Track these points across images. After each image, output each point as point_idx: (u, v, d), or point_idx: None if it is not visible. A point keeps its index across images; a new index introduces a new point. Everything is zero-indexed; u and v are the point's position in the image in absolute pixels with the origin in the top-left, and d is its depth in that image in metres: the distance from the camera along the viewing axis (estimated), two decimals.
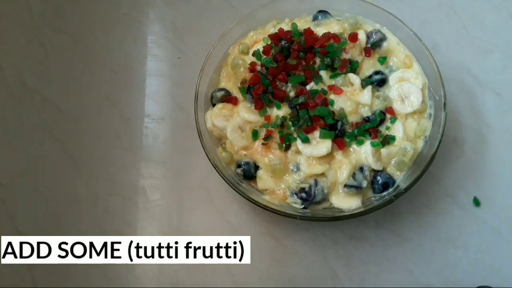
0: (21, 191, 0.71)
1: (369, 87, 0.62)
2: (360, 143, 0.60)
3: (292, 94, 0.62)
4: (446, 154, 0.69)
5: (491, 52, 0.75)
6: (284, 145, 0.61)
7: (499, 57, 0.75)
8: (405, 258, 0.65)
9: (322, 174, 0.60)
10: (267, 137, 0.61)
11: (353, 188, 0.59)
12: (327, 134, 0.59)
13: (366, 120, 0.62)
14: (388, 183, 0.59)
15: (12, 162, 0.73)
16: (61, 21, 0.81)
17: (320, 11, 0.68)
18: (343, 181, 0.59)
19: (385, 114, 0.62)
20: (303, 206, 0.60)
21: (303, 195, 0.59)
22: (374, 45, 0.65)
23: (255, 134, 0.62)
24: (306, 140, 0.59)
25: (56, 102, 0.76)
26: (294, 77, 0.63)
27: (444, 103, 0.60)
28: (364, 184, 0.59)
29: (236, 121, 0.62)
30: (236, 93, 0.65)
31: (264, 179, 0.61)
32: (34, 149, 0.73)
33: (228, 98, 0.65)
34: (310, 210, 0.60)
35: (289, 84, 0.63)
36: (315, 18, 0.68)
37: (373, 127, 0.61)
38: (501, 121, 0.71)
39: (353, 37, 0.64)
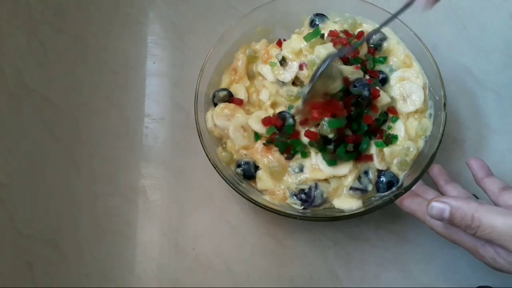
0: (21, 191, 0.71)
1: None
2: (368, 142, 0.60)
3: None
4: (446, 154, 0.69)
5: (491, 52, 0.75)
6: (285, 155, 0.61)
7: (499, 57, 0.75)
8: (405, 258, 0.65)
9: (325, 180, 0.60)
10: (269, 141, 0.61)
11: (359, 191, 0.58)
12: (351, 156, 0.58)
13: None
14: (393, 181, 0.59)
15: (12, 162, 0.73)
16: (61, 21, 0.81)
17: (317, 14, 0.68)
18: (348, 184, 0.59)
19: (387, 114, 0.62)
20: (302, 207, 0.60)
21: (303, 196, 0.59)
22: (375, 46, 0.65)
23: (257, 135, 0.62)
24: (333, 164, 0.58)
25: (56, 102, 0.76)
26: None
27: (444, 103, 0.60)
28: (370, 187, 0.59)
29: (239, 120, 0.62)
30: (240, 94, 0.65)
31: (263, 179, 0.61)
32: (34, 149, 0.73)
33: (232, 99, 0.65)
34: (310, 210, 0.60)
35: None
36: (312, 22, 0.68)
37: (377, 127, 0.61)
38: (501, 121, 0.71)
39: (359, 35, 0.64)
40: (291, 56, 0.63)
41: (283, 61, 0.63)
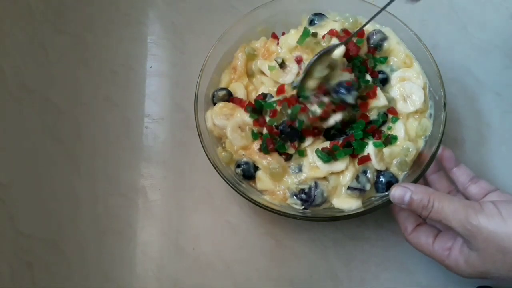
0: (21, 191, 0.71)
1: (378, 89, 0.62)
2: (364, 145, 0.60)
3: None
4: None
5: (491, 52, 0.75)
6: (284, 156, 0.61)
7: (499, 57, 0.75)
8: (405, 258, 0.65)
9: (324, 178, 0.60)
10: (265, 143, 0.61)
11: (357, 190, 0.58)
12: (347, 152, 0.59)
13: (369, 122, 0.62)
14: (392, 182, 0.59)
15: (12, 162, 0.73)
16: (61, 21, 0.81)
17: (315, 14, 0.68)
18: (346, 183, 0.59)
19: (387, 115, 0.62)
20: (303, 207, 0.60)
21: (303, 196, 0.59)
22: (376, 46, 0.65)
23: (254, 134, 0.62)
24: (328, 161, 0.59)
25: (56, 102, 0.76)
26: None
27: (444, 103, 0.60)
28: (368, 187, 0.58)
29: (236, 120, 0.62)
30: (239, 93, 0.65)
31: (263, 180, 0.61)
32: (34, 149, 0.73)
33: (232, 99, 0.65)
34: (310, 210, 0.60)
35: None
36: (311, 21, 0.68)
37: (376, 128, 0.61)
38: (501, 121, 0.71)
39: (360, 34, 0.64)
40: (289, 56, 0.64)
41: (282, 64, 0.63)
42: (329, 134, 0.61)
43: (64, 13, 0.82)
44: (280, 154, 0.61)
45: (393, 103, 0.62)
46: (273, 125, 0.60)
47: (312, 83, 0.59)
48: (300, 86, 0.59)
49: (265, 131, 0.61)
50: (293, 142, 0.60)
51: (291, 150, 0.60)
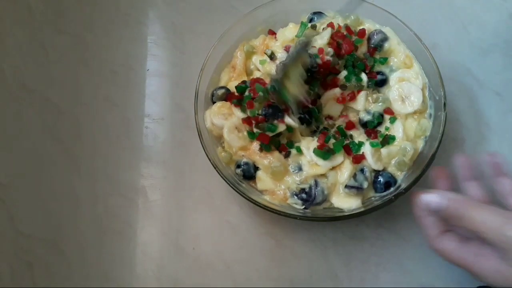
0: (21, 191, 0.71)
1: (363, 93, 0.62)
2: (360, 144, 0.60)
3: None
4: (446, 154, 0.68)
5: (491, 52, 0.75)
6: (283, 152, 0.61)
7: (499, 57, 0.75)
8: (405, 258, 0.65)
9: (323, 175, 0.60)
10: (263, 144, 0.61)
11: (354, 189, 0.59)
12: (341, 142, 0.60)
13: (364, 123, 0.62)
14: (390, 182, 0.59)
15: (12, 162, 0.73)
16: (61, 21, 0.81)
17: (314, 13, 0.68)
18: (343, 181, 0.59)
19: (383, 116, 0.62)
20: (303, 206, 0.60)
21: (304, 195, 0.59)
22: (376, 46, 0.65)
23: (251, 134, 0.62)
24: (328, 158, 0.59)
25: (56, 102, 0.76)
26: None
27: (444, 103, 0.60)
28: (365, 185, 0.59)
29: (233, 121, 0.62)
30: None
31: (263, 179, 0.61)
32: (34, 149, 0.73)
33: (229, 97, 0.64)
34: (311, 210, 0.60)
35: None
36: (310, 20, 0.68)
37: (371, 128, 0.62)
38: (501, 121, 0.71)
39: (361, 33, 0.65)
40: (279, 49, 0.65)
41: (272, 55, 0.64)
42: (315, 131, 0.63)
43: (64, 13, 0.82)
44: (280, 151, 0.61)
45: (387, 104, 0.63)
46: (257, 115, 0.60)
47: (292, 88, 0.59)
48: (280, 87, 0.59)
49: (255, 130, 0.60)
50: (279, 119, 0.59)
51: (281, 127, 0.60)
